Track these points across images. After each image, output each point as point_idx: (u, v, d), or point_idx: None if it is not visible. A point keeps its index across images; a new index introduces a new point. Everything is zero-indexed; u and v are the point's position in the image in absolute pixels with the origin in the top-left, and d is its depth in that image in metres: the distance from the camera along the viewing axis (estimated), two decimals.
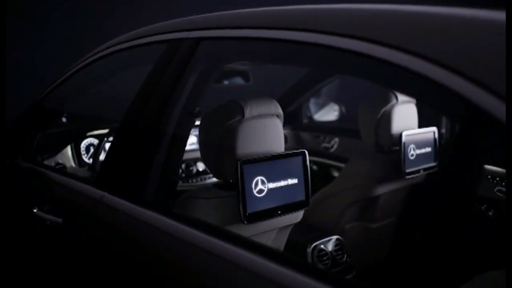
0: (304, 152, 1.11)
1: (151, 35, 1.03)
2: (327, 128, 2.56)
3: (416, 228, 1.72)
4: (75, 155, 1.77)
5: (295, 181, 1.10)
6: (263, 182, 1.02)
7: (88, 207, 0.95)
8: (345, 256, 1.47)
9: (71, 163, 1.76)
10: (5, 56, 1.52)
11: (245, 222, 0.98)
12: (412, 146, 1.55)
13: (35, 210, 1.08)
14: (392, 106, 1.57)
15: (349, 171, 1.62)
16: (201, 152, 1.08)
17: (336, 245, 1.46)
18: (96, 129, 1.87)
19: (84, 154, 1.81)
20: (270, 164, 1.04)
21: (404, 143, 1.51)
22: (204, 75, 0.90)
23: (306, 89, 2.46)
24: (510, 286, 0.53)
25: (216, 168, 1.05)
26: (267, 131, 1.08)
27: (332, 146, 2.44)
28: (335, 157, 2.34)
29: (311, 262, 1.39)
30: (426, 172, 1.60)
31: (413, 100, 1.64)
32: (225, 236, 0.80)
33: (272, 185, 1.04)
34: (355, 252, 1.50)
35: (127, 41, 1.15)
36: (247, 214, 0.98)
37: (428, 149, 1.62)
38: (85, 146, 1.83)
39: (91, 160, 1.81)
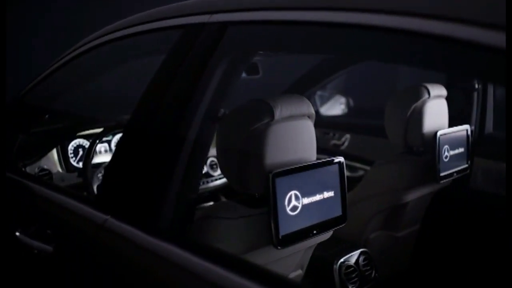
0: (341, 160, 0.97)
1: (161, 19, 0.87)
2: (336, 123, 2.42)
3: (443, 236, 1.62)
4: (62, 159, 1.59)
5: (331, 194, 0.96)
6: (297, 198, 0.88)
7: (87, 234, 0.79)
8: (374, 271, 1.35)
9: (57, 168, 1.58)
10: (5, 56, 1.34)
11: (278, 247, 0.84)
12: (446, 147, 1.42)
13: (17, 234, 0.91)
14: (424, 102, 1.44)
15: (375, 176, 1.48)
16: (219, 160, 0.93)
17: (364, 260, 1.34)
18: (87, 129, 1.69)
19: (72, 158, 1.63)
20: (304, 175, 0.90)
21: (439, 143, 1.38)
22: (230, 69, 0.74)
23: (316, 80, 2.32)
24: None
25: (239, 180, 0.90)
26: (299, 135, 0.94)
27: (342, 144, 2.31)
28: (346, 155, 2.21)
29: (338, 280, 1.26)
30: (459, 175, 1.48)
31: (444, 94, 1.51)
32: (257, 274, 0.65)
33: (306, 200, 0.91)
34: (377, 264, 1.38)
35: (128, 27, 0.98)
36: (280, 237, 0.84)
37: (461, 150, 1.50)
38: (73, 148, 1.65)
39: (80, 164, 1.64)
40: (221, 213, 0.86)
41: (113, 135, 1.74)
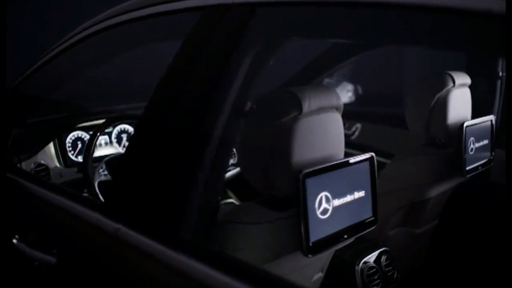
0: (372, 156, 0.90)
1: (175, 0, 0.77)
2: (346, 112, 2.34)
3: (463, 232, 1.56)
4: (59, 152, 1.50)
5: (361, 194, 0.89)
6: (327, 200, 0.81)
7: (96, 245, 0.70)
8: (396, 272, 1.29)
9: (55, 163, 1.49)
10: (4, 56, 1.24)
11: (309, 255, 0.77)
12: (472, 139, 1.35)
13: (14, 241, 0.83)
14: (449, 91, 1.36)
15: (396, 170, 1.41)
16: (240, 158, 0.85)
17: (386, 259, 1.28)
18: (85, 121, 1.59)
19: (70, 151, 1.54)
20: (334, 174, 0.83)
21: (465, 135, 1.30)
22: (258, 57, 0.65)
23: (324, 68, 2.22)
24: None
25: (263, 180, 0.83)
26: (328, 129, 0.87)
27: (353, 133, 2.24)
28: (357, 146, 2.14)
29: (361, 282, 1.20)
30: (484, 168, 1.41)
31: (468, 83, 1.43)
32: None
33: (337, 202, 0.83)
34: (397, 262, 1.32)
35: (135, 10, 0.89)
36: (310, 244, 0.77)
37: (486, 142, 1.43)
38: (71, 141, 1.56)
39: (79, 158, 1.55)
40: (244, 218, 0.79)
41: (114, 126, 1.65)
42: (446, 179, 1.40)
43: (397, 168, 1.42)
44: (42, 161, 1.43)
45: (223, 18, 0.65)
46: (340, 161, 0.83)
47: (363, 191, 0.89)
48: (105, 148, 1.62)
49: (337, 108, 0.89)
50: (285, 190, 0.82)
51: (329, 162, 0.86)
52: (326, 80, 2.59)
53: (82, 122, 1.57)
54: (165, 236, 0.61)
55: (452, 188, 1.46)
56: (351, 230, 0.86)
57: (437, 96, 1.36)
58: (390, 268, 1.28)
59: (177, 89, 0.67)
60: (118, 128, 1.65)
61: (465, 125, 1.30)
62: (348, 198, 0.86)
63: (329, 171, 0.81)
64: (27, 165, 1.38)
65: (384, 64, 3.05)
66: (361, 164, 0.89)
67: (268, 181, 0.83)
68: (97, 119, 1.60)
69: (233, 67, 0.63)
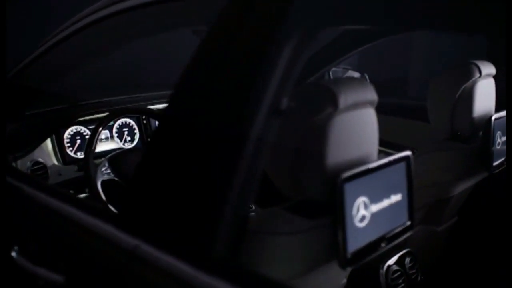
0: (408, 156, 0.83)
1: None
2: None
3: (484, 229, 1.51)
4: (57, 149, 1.41)
5: (398, 197, 0.82)
6: (365, 206, 0.74)
7: (111, 263, 0.62)
8: (419, 274, 1.24)
9: (53, 160, 1.40)
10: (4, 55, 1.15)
11: (346, 266, 0.70)
12: (499, 132, 1.29)
13: (13, 254, 0.74)
14: (475, 82, 1.29)
15: (418, 166, 1.34)
16: (267, 160, 0.78)
17: (410, 261, 1.22)
18: (85, 114, 1.50)
19: (68, 148, 1.45)
20: (372, 178, 0.76)
21: (493, 129, 1.24)
22: (298, 48, 0.57)
23: (331, 59, 2.14)
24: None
25: (293, 184, 0.76)
26: (363, 127, 0.80)
27: None
28: None
29: (385, 286, 1.14)
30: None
31: (494, 73, 1.37)
32: None
33: (375, 208, 0.77)
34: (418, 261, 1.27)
35: None
36: (348, 256, 0.70)
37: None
38: (69, 136, 1.47)
39: (78, 154, 1.46)
40: (274, 227, 0.71)
41: (115, 120, 1.57)
42: (470, 175, 1.34)
43: (419, 164, 1.36)
44: (40, 159, 1.34)
45: (253, 4, 0.56)
46: (380, 162, 0.76)
47: (400, 194, 0.83)
48: (105, 143, 1.53)
49: (371, 103, 0.82)
50: (317, 195, 0.76)
51: (365, 163, 0.80)
52: (334, 69, 2.51)
53: (81, 116, 1.47)
54: (194, 255, 0.53)
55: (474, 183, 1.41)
56: (388, 237, 0.80)
57: (463, 87, 1.29)
58: (414, 270, 1.22)
59: (206, 85, 0.59)
60: (119, 122, 1.56)
61: (493, 118, 1.24)
62: (385, 202, 0.79)
63: (368, 174, 0.74)
64: (23, 163, 1.29)
65: (391, 52, 2.98)
66: (398, 164, 0.82)
67: (298, 185, 0.76)
68: (96, 113, 1.51)
69: (270, 60, 0.55)
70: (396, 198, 0.82)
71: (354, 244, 0.72)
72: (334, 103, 0.72)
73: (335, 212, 0.70)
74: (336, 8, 0.56)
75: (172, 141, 0.60)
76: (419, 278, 1.23)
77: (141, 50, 1.74)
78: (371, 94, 0.80)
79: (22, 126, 1.28)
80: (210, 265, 0.53)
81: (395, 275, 1.17)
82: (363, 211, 0.74)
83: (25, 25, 2.15)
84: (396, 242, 0.83)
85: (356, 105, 0.77)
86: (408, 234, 0.85)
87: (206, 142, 0.56)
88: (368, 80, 2.65)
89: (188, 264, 0.53)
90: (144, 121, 1.63)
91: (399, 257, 1.20)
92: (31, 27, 2.13)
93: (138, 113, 1.60)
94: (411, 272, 1.21)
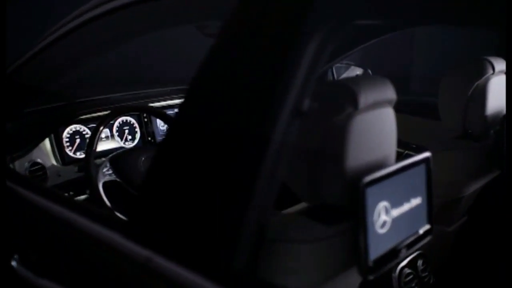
0: (428, 157, 0.81)
1: None
2: None
3: (495, 228, 1.49)
4: (56, 148, 1.37)
5: (418, 200, 0.80)
6: (386, 211, 0.71)
7: (122, 277, 0.58)
8: (431, 276, 1.21)
9: (51, 161, 1.36)
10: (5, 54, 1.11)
11: (368, 275, 0.67)
12: None
13: (14, 263, 0.70)
14: (488, 79, 1.26)
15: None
16: None
17: (422, 263, 1.19)
18: (84, 113, 1.46)
19: (68, 147, 1.41)
20: (392, 181, 0.73)
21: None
22: (321, 46, 0.54)
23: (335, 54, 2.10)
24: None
25: (311, 188, 0.73)
26: (382, 128, 0.77)
27: None
28: None
29: None
30: None
31: (504, 69, 1.34)
32: None
33: (395, 213, 0.74)
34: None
35: None
36: (370, 264, 0.67)
37: None
38: (68, 135, 1.42)
39: (77, 154, 1.42)
40: (293, 234, 0.68)
41: (115, 118, 1.52)
42: (482, 174, 1.31)
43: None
44: (38, 160, 1.30)
45: None
46: (401, 165, 0.73)
47: (420, 197, 0.80)
48: (105, 142, 1.49)
49: (390, 103, 0.79)
50: (336, 199, 0.73)
51: (384, 165, 0.77)
52: (337, 65, 2.48)
53: (80, 115, 1.43)
54: (212, 268, 0.50)
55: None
56: (409, 243, 0.77)
57: (476, 84, 1.26)
58: (426, 273, 1.20)
59: (224, 86, 0.55)
60: (119, 120, 1.52)
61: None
62: (406, 206, 0.76)
63: (389, 177, 0.71)
64: (21, 164, 1.25)
65: (392, 47, 2.95)
66: (418, 166, 0.79)
67: (315, 189, 0.73)
68: (96, 111, 1.47)
69: (293, 59, 0.51)
70: (416, 201, 0.79)
71: (375, 251, 0.69)
72: (354, 102, 0.69)
73: (356, 218, 0.67)
74: (359, 4, 0.52)
75: (187, 143, 0.56)
76: (431, 280, 1.21)
77: (139, 46, 1.70)
78: (391, 93, 0.77)
79: (19, 125, 1.24)
80: (231, 279, 0.49)
81: (408, 278, 1.14)
82: (384, 216, 0.71)
83: (25, 24, 2.10)
84: (416, 247, 0.80)
85: (376, 105, 0.74)
86: (428, 238, 0.83)
87: (225, 146, 0.53)
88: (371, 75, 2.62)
89: (206, 278, 0.50)
90: (145, 119, 1.60)
91: (411, 259, 1.18)
92: (31, 26, 2.09)
93: (141, 111, 1.56)
94: (423, 275, 1.18)
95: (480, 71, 1.26)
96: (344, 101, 0.69)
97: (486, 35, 2.74)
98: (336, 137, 0.69)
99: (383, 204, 0.70)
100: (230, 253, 0.50)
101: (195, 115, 0.56)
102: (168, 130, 0.61)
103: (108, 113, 1.24)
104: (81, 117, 1.44)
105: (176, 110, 1.74)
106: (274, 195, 0.56)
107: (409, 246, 0.77)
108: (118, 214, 1.19)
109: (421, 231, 0.80)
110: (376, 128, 0.75)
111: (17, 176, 0.97)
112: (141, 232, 0.58)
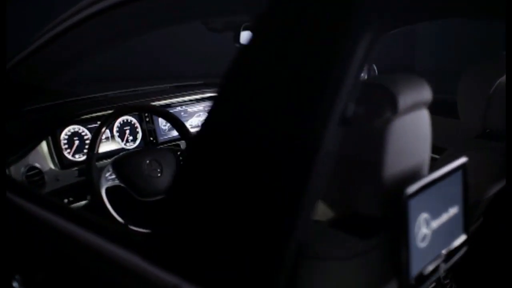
0: (465, 164, 0.77)
1: None
2: None
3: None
4: (53, 151, 1.30)
5: (455, 210, 0.75)
6: (427, 223, 0.67)
7: None
8: (453, 284, 1.18)
9: (49, 164, 1.29)
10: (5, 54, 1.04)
11: None
12: None
13: (15, 285, 0.64)
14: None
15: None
16: None
17: (444, 271, 1.16)
18: (83, 114, 1.39)
19: (66, 150, 1.34)
20: (432, 191, 0.68)
21: None
22: (369, 46, 0.49)
23: None
24: None
25: (342, 196, 0.68)
26: (419, 132, 0.73)
27: None
28: None
29: None
30: None
31: None
32: None
33: (435, 224, 0.69)
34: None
35: None
36: (411, 280, 0.63)
37: None
38: (66, 137, 1.36)
39: (76, 157, 1.35)
40: (326, 251, 0.63)
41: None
42: (503, 176, 1.27)
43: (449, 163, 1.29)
44: (36, 164, 1.23)
45: None
46: (440, 172, 0.69)
47: (457, 206, 0.76)
48: (106, 143, 1.42)
49: (426, 104, 0.74)
50: (371, 209, 0.68)
51: (420, 172, 0.73)
52: None
53: (78, 115, 1.36)
54: None
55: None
56: (447, 256, 0.73)
57: (498, 81, 1.22)
58: (448, 280, 1.16)
59: (261, 89, 0.49)
60: (120, 120, 1.45)
61: None
62: (444, 217, 0.72)
63: (429, 187, 0.66)
64: (17, 169, 1.18)
65: (396, 41, 2.91)
66: (456, 173, 0.75)
67: (348, 198, 0.68)
68: (95, 111, 1.40)
69: (341, 58, 0.46)
70: (453, 210, 0.75)
71: (416, 266, 0.65)
72: (393, 105, 0.64)
73: (394, 231, 0.62)
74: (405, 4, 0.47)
75: (221, 155, 0.50)
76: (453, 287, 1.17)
77: (138, 42, 1.63)
78: (427, 93, 0.72)
79: (15, 126, 1.17)
80: None
81: (430, 287, 1.10)
82: (425, 229, 0.66)
83: (25, 24, 2.03)
84: (454, 260, 0.76)
85: (414, 107, 0.69)
86: (465, 249, 0.78)
87: (266, 159, 0.47)
88: (376, 70, 2.58)
89: None
90: (147, 119, 1.53)
91: None
92: (31, 26, 2.01)
93: (146, 112, 1.49)
94: (445, 282, 1.15)
95: (503, 68, 1.22)
96: (382, 104, 0.64)
97: (488, 28, 2.71)
98: (373, 143, 0.64)
99: (424, 216, 0.66)
100: (273, 278, 0.45)
101: (230, 124, 0.50)
102: (195, 141, 0.54)
103: (110, 113, 1.18)
104: (80, 117, 1.37)
105: (178, 108, 1.68)
106: (314, 209, 0.51)
107: (447, 259, 0.73)
108: (122, 221, 1.14)
109: (458, 242, 0.76)
110: (414, 132, 0.70)
111: (15, 185, 0.91)
112: (166, 255, 0.52)
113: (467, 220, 0.77)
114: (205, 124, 0.52)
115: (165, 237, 0.53)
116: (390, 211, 0.64)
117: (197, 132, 0.54)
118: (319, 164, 0.46)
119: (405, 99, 0.66)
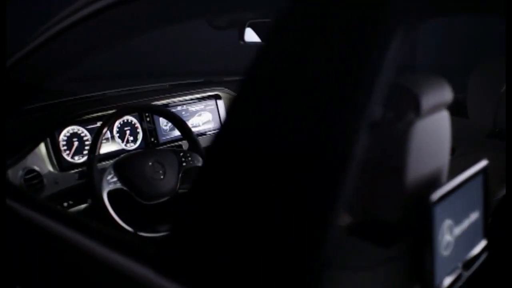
0: (486, 167, 0.75)
1: None
2: None
3: None
4: (52, 153, 1.26)
5: (476, 215, 0.73)
6: (450, 230, 0.64)
7: None
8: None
9: (47, 167, 1.25)
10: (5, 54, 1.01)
11: None
12: None
13: None
14: None
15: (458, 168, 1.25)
16: None
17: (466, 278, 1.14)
18: (82, 114, 1.35)
19: (65, 151, 1.30)
20: (455, 196, 0.66)
21: None
22: (398, 44, 0.46)
23: None
24: None
25: (361, 201, 0.65)
26: (440, 134, 0.70)
27: None
28: None
29: None
30: None
31: None
32: None
33: (458, 231, 0.67)
34: None
35: None
36: None
37: None
38: (65, 138, 1.32)
39: (75, 159, 1.32)
40: (346, 260, 0.60)
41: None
42: None
43: (460, 165, 1.27)
44: (35, 166, 1.19)
45: None
46: (463, 177, 0.66)
47: (478, 211, 0.73)
48: (106, 144, 1.39)
49: (446, 105, 0.72)
50: (391, 215, 0.65)
51: (442, 176, 0.70)
52: None
53: (77, 115, 1.32)
54: None
55: None
56: (467, 262, 0.70)
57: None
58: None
59: (285, 90, 0.46)
60: (120, 120, 1.42)
61: None
62: (466, 223, 0.69)
63: (453, 192, 0.64)
64: (14, 172, 1.14)
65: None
66: (477, 177, 0.72)
67: (366, 204, 0.66)
68: (95, 112, 1.36)
69: (368, 57, 0.43)
70: (474, 216, 0.72)
71: (440, 275, 0.63)
72: (416, 107, 0.61)
73: (417, 239, 0.60)
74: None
75: (244, 162, 0.47)
76: None
77: (138, 40, 1.60)
78: (448, 93, 0.70)
79: (12, 127, 1.13)
80: None
81: None
82: (449, 236, 0.64)
83: (25, 24, 1.99)
84: (475, 267, 0.73)
85: (436, 108, 0.66)
86: (485, 255, 0.76)
87: (293, 165, 0.44)
88: None
89: None
90: (147, 119, 1.50)
91: None
92: (31, 26, 1.96)
93: (148, 112, 1.46)
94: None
95: None
96: (405, 106, 0.61)
97: (488, 24, 2.70)
98: (395, 146, 0.62)
99: (447, 222, 0.63)
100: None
101: (252, 129, 0.47)
102: (214, 142, 0.50)
103: (112, 114, 1.14)
104: (79, 118, 1.33)
105: (179, 108, 1.65)
106: (338, 216, 0.48)
107: (468, 266, 0.71)
108: (125, 225, 1.10)
109: (479, 249, 0.73)
110: (435, 134, 0.68)
111: (13, 190, 0.87)
112: (185, 269, 0.48)
113: (487, 225, 0.75)
114: (225, 129, 0.49)
115: (185, 249, 0.50)
116: (412, 217, 0.61)
117: (216, 137, 0.51)
118: (350, 171, 0.43)
119: (428, 100, 0.63)
